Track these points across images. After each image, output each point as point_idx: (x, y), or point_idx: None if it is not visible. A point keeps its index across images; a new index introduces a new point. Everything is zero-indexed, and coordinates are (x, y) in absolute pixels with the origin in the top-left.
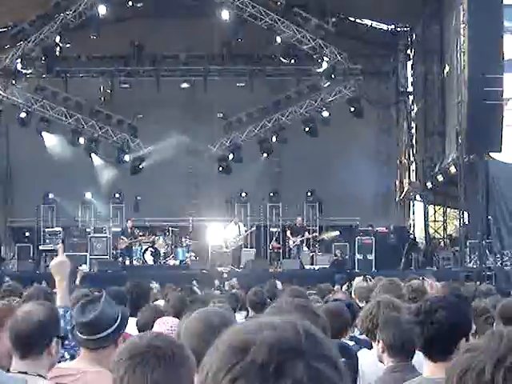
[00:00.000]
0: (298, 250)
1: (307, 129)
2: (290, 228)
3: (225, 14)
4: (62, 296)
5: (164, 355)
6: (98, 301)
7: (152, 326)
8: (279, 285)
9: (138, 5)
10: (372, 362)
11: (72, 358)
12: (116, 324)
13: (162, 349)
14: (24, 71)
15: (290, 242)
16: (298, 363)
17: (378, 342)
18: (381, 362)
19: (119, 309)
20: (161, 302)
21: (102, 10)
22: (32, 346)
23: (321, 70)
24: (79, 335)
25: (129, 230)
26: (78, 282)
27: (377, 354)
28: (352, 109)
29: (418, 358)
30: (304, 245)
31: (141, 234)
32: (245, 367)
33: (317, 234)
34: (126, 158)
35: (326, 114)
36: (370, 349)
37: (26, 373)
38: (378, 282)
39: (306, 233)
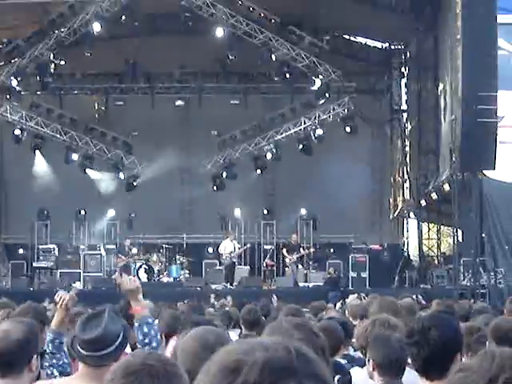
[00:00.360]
0: (295, 267)
1: (301, 146)
2: (286, 245)
3: (219, 32)
4: (141, 311)
5: (157, 373)
6: (101, 316)
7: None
8: (275, 300)
9: (134, 23)
10: (364, 379)
11: (61, 374)
12: (118, 341)
13: (155, 367)
14: (18, 88)
15: (287, 260)
16: (291, 383)
17: (369, 360)
18: (371, 379)
19: (122, 325)
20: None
21: (96, 27)
22: (12, 365)
23: (315, 87)
24: (81, 351)
25: (126, 249)
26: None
27: (367, 372)
28: (346, 126)
29: (409, 377)
30: (309, 262)
31: (135, 251)
32: None
33: (313, 251)
34: (121, 175)
35: (320, 131)
36: (362, 367)
37: None
38: (373, 300)
39: (301, 249)
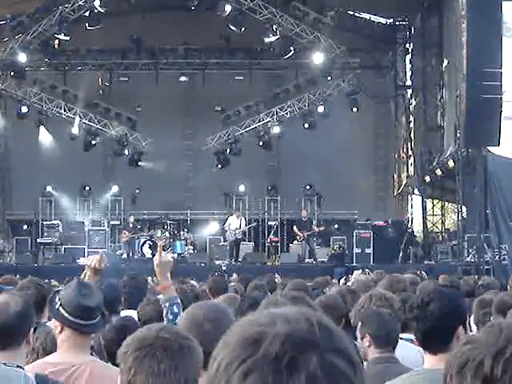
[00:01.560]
0: (307, 243)
1: (305, 123)
2: (297, 222)
3: (223, 8)
4: (169, 290)
5: (171, 346)
6: (89, 285)
7: (156, 320)
8: (278, 279)
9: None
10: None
11: None
12: (101, 310)
13: (169, 340)
14: (22, 64)
15: (298, 237)
16: (312, 356)
17: (362, 337)
18: (365, 360)
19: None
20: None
21: (97, 3)
22: (12, 338)
23: (318, 62)
24: (76, 320)
25: (130, 225)
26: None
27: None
28: (350, 102)
29: (402, 352)
30: (314, 238)
31: (139, 227)
32: (258, 360)
33: (323, 228)
34: (125, 151)
35: (324, 107)
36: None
37: (5, 364)
38: (381, 277)
39: (314, 226)
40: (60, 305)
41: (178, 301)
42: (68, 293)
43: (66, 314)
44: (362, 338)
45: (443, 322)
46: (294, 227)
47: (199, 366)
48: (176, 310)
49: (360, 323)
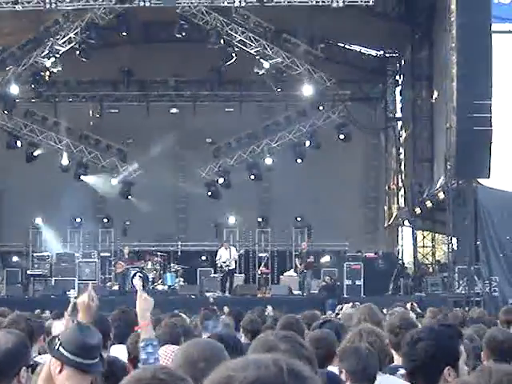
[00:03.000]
0: (304, 276)
1: (296, 154)
2: (299, 255)
3: (214, 40)
4: (146, 330)
5: None
6: (87, 325)
7: None
8: (270, 311)
9: (129, 31)
10: None
11: None
12: (101, 350)
13: (165, 381)
14: (13, 96)
15: (298, 268)
16: None
17: (341, 372)
18: None
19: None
20: None
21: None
22: (0, 375)
23: (308, 94)
24: (78, 359)
25: (126, 256)
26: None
27: None
28: (340, 134)
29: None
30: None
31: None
32: None
33: (312, 260)
34: (115, 182)
35: (314, 139)
36: None
37: None
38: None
39: (311, 257)
40: (60, 344)
41: (155, 342)
42: (68, 333)
43: (67, 353)
44: (340, 373)
45: (429, 362)
46: (296, 260)
47: None
48: (151, 349)
49: (339, 358)
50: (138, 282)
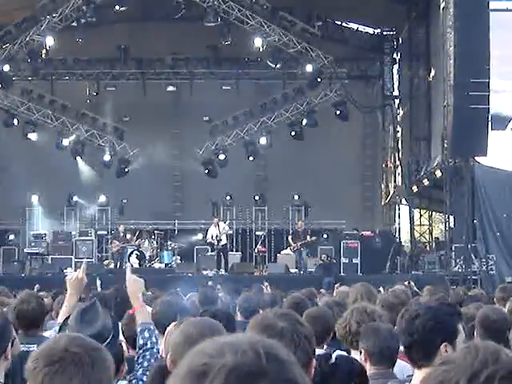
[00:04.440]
0: (299, 254)
1: (293, 132)
2: (292, 233)
3: (211, 18)
4: (140, 314)
5: (82, 361)
6: (94, 309)
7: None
8: (267, 287)
9: (124, 8)
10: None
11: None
12: (112, 334)
13: (79, 354)
14: (10, 74)
15: (292, 248)
16: None
17: (360, 351)
18: None
19: (112, 319)
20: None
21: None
22: None
23: (306, 73)
24: None
25: (121, 234)
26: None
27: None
28: (338, 112)
29: (400, 367)
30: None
31: (129, 236)
32: None
33: (315, 238)
34: (112, 160)
35: (311, 117)
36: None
37: None
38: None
39: (308, 237)
40: (68, 331)
41: (152, 326)
42: (71, 320)
43: None
44: (360, 353)
45: (426, 337)
46: (289, 237)
47: (111, 376)
48: (147, 334)
49: (360, 337)
50: (129, 265)
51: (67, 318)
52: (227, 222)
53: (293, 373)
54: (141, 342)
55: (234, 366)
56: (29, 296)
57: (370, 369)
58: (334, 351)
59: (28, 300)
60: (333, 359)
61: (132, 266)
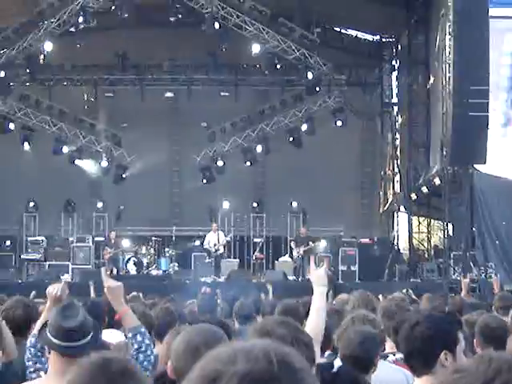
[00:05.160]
0: (301, 260)
1: (291, 139)
2: (295, 238)
3: (210, 24)
4: (126, 318)
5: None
6: (75, 306)
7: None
8: (270, 289)
9: (124, 15)
10: None
11: None
12: (93, 331)
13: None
14: (8, 79)
15: (294, 253)
16: None
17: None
18: None
19: (91, 318)
20: None
21: (82, 18)
22: None
23: (305, 79)
24: (56, 341)
25: (112, 241)
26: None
27: None
28: (336, 119)
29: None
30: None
31: (126, 243)
32: None
33: (318, 243)
34: (110, 167)
35: (310, 124)
36: None
37: None
38: (350, 297)
39: (310, 242)
40: (48, 328)
41: (142, 329)
42: (52, 315)
43: (50, 337)
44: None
45: (426, 345)
46: (292, 243)
47: None
48: (140, 338)
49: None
50: (103, 269)
51: (45, 324)
52: (229, 234)
53: (305, 381)
54: (135, 346)
55: (246, 373)
56: (16, 302)
57: None
58: (335, 359)
59: (15, 306)
60: (335, 368)
61: (110, 270)
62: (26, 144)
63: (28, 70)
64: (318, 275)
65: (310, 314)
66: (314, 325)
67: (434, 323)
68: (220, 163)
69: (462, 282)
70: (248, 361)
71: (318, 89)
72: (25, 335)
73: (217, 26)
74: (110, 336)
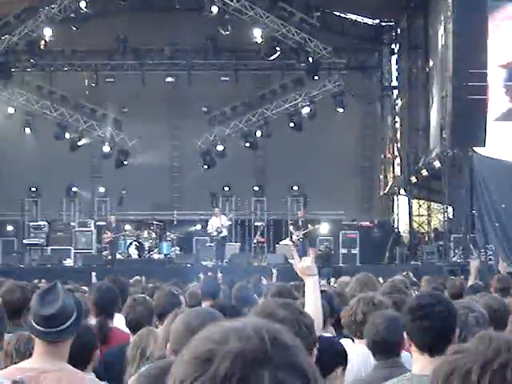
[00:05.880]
0: (302, 244)
1: (292, 123)
2: (293, 222)
3: (209, 9)
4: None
5: None
6: (55, 291)
7: (146, 320)
8: (264, 281)
9: (124, 0)
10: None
11: None
12: (74, 315)
13: None
14: (9, 65)
15: (294, 237)
16: (264, 374)
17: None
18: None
19: (75, 299)
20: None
21: (82, 4)
22: None
23: (305, 63)
24: (37, 327)
25: (113, 225)
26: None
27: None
28: (336, 103)
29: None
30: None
31: (128, 227)
32: (208, 379)
33: (318, 226)
34: (111, 151)
35: (310, 108)
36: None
37: None
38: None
39: (309, 225)
40: (29, 315)
41: None
42: (31, 303)
43: (32, 322)
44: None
45: (442, 326)
46: (291, 227)
47: None
48: None
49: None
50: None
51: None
52: (229, 216)
53: (298, 358)
54: None
55: (239, 352)
56: (13, 286)
57: (376, 358)
58: (339, 339)
59: (12, 290)
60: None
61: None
62: (27, 129)
63: (29, 56)
64: (305, 267)
65: (306, 305)
66: (312, 315)
67: (445, 305)
68: (220, 147)
69: (471, 264)
70: (240, 339)
71: (317, 73)
72: (22, 318)
73: (217, 11)
74: (119, 320)
